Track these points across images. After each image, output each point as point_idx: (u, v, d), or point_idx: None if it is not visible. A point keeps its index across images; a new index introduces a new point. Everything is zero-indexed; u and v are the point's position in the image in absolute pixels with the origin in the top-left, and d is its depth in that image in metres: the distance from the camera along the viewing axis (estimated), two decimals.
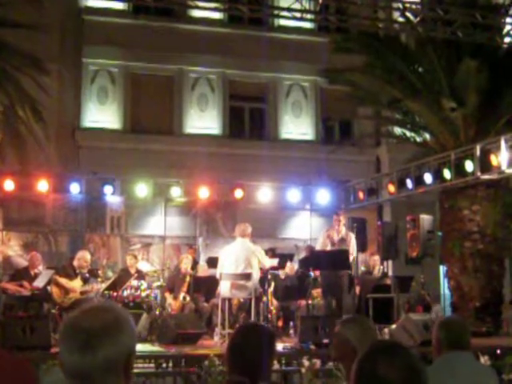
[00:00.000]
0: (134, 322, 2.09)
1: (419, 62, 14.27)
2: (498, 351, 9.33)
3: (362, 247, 13.56)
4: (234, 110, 19.04)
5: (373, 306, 11.73)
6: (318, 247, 12.69)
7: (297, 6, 11.87)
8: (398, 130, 16.18)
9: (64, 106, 17.52)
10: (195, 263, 13.27)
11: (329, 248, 12.41)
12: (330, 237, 12.45)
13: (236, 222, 14.24)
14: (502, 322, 13.27)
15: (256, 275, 10.90)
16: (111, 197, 15.16)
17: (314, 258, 12.08)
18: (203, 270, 13.07)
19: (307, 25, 18.42)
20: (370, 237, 14.21)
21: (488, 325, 12.55)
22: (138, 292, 11.69)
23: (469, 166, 12.06)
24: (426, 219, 13.57)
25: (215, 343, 10.33)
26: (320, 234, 13.05)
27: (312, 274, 12.10)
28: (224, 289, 10.85)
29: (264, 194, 15.39)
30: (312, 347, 9.33)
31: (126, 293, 11.58)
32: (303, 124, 19.25)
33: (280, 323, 12.01)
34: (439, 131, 14.16)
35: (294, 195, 15.72)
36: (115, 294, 11.34)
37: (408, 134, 15.41)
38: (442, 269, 15.79)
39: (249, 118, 19.31)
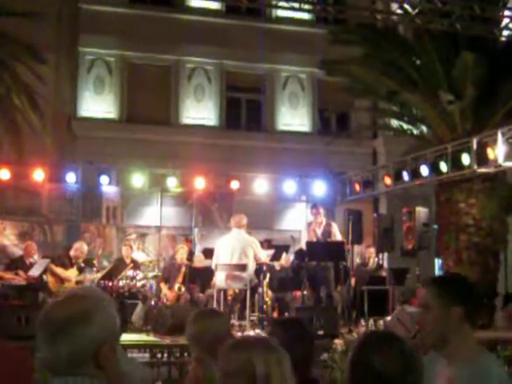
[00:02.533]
0: (115, 309, 2.05)
1: (417, 54, 14.23)
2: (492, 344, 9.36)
3: (357, 239, 13.57)
4: (230, 101, 19.00)
5: (368, 297, 11.74)
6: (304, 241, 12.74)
7: None
8: (394, 123, 16.13)
9: (60, 95, 17.48)
10: (191, 254, 13.27)
11: None
12: (314, 231, 12.49)
13: (232, 212, 14.26)
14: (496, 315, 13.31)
15: (251, 266, 10.91)
16: (107, 187, 15.14)
17: (310, 250, 12.08)
18: (199, 261, 13.07)
19: (305, 16, 18.40)
20: (365, 229, 14.19)
21: (482, 318, 12.57)
22: (134, 282, 11.69)
23: (465, 158, 12.04)
24: (421, 212, 13.56)
25: None
26: (304, 227, 13.09)
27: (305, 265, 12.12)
28: (219, 279, 10.87)
29: (260, 185, 15.37)
30: None
31: (121, 283, 11.58)
32: (300, 115, 19.22)
33: (275, 314, 12.01)
34: (436, 124, 14.13)
35: (290, 187, 15.69)
36: (111, 283, 11.33)
37: (405, 126, 15.37)
38: (438, 261, 15.83)
39: (245, 109, 19.28)
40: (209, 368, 3.52)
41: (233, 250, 10.93)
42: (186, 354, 8.78)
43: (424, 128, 14.92)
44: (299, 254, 13.02)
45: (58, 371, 1.94)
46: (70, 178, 14.27)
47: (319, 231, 12.45)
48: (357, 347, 2.32)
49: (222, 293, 10.84)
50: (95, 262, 12.40)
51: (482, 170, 12.20)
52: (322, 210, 12.64)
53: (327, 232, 12.40)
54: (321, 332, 9.54)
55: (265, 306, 11.45)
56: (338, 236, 12.43)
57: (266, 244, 13.11)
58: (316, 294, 12.04)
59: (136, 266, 12.15)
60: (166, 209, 16.16)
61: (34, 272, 11.84)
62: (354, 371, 2.28)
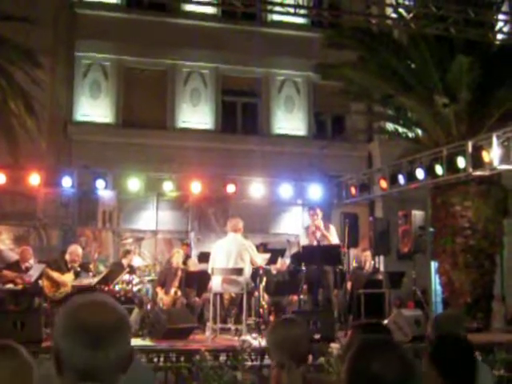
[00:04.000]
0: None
1: (412, 58, 14.28)
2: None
3: (353, 243, 13.54)
4: (226, 105, 19.02)
5: (364, 301, 11.75)
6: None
7: (290, 0, 11.87)
8: (390, 126, 16.19)
9: (56, 99, 17.47)
10: (187, 258, 13.26)
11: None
12: (314, 234, 12.42)
13: (228, 216, 14.23)
14: (492, 317, 13.33)
15: (248, 270, 10.89)
16: (103, 191, 15.15)
17: (306, 253, 12.07)
18: (193, 265, 13.06)
19: (300, 20, 18.40)
20: (361, 232, 14.20)
21: (479, 320, 12.60)
22: (130, 286, 11.67)
23: (461, 162, 12.08)
24: (417, 215, 13.60)
25: (206, 338, 10.33)
26: (301, 231, 13.01)
27: (304, 269, 12.10)
28: (216, 283, 10.84)
29: (256, 188, 15.39)
30: None
31: (117, 287, 11.56)
32: (295, 119, 19.24)
33: (272, 318, 12.00)
34: (431, 127, 14.18)
35: (286, 190, 15.71)
36: (107, 288, 11.31)
37: (400, 129, 15.42)
38: (434, 264, 15.83)
39: (241, 113, 19.30)
40: (290, 372, 3.69)
41: (229, 254, 10.90)
42: (182, 359, 8.78)
43: (419, 131, 14.97)
44: (296, 257, 13.01)
45: (101, 377, 1.90)
46: (66, 182, 14.27)
47: (318, 234, 12.40)
48: (354, 354, 2.25)
49: (218, 297, 10.82)
50: (91, 266, 12.35)
51: (478, 172, 12.26)
52: (319, 212, 12.59)
53: (325, 235, 12.36)
54: (317, 336, 9.53)
55: (261, 310, 11.44)
56: (335, 238, 12.39)
57: (262, 248, 13.09)
58: (313, 297, 12.02)
59: (132, 270, 12.12)
60: (162, 213, 16.16)
61: (30, 277, 11.81)
62: (351, 379, 2.24)
